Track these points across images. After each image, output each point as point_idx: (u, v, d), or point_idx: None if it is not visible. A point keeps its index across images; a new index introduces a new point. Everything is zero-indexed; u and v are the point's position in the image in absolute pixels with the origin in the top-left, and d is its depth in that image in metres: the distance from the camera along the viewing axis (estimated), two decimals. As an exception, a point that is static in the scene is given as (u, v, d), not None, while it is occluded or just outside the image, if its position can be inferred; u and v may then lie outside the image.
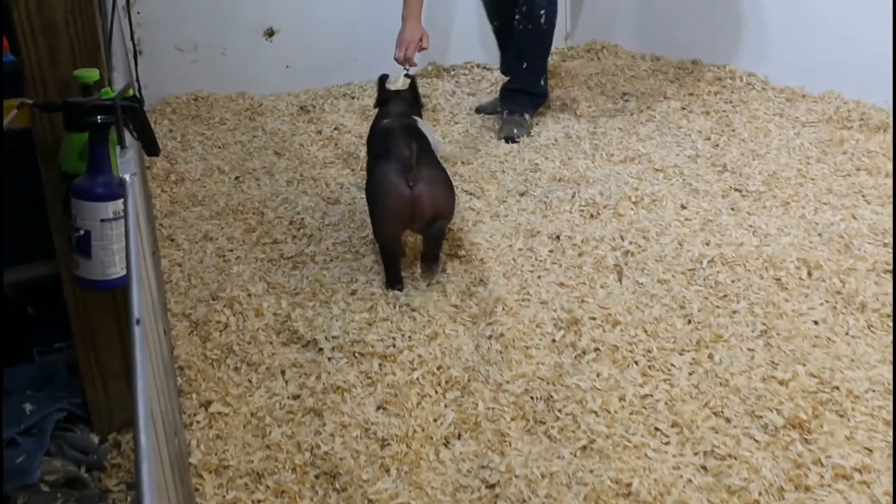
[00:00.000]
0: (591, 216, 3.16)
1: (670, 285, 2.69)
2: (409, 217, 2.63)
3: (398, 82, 3.23)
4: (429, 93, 4.52)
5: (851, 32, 4.05)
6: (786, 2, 4.34)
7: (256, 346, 2.48)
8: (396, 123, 2.89)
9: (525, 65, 4.10)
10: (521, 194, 3.38)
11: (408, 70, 3.43)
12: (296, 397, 2.28)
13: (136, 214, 1.39)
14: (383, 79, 3.20)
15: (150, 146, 1.67)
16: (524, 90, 4.13)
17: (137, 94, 1.86)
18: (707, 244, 2.91)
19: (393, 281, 2.73)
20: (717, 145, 3.72)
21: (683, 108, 4.17)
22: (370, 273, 2.83)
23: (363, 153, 3.73)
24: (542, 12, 3.98)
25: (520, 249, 2.95)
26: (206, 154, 3.89)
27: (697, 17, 4.76)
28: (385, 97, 3.16)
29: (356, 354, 2.42)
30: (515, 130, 3.98)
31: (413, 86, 3.22)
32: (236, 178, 3.65)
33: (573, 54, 5.25)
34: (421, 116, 3.16)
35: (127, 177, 1.44)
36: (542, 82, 4.17)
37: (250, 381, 2.35)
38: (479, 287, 2.73)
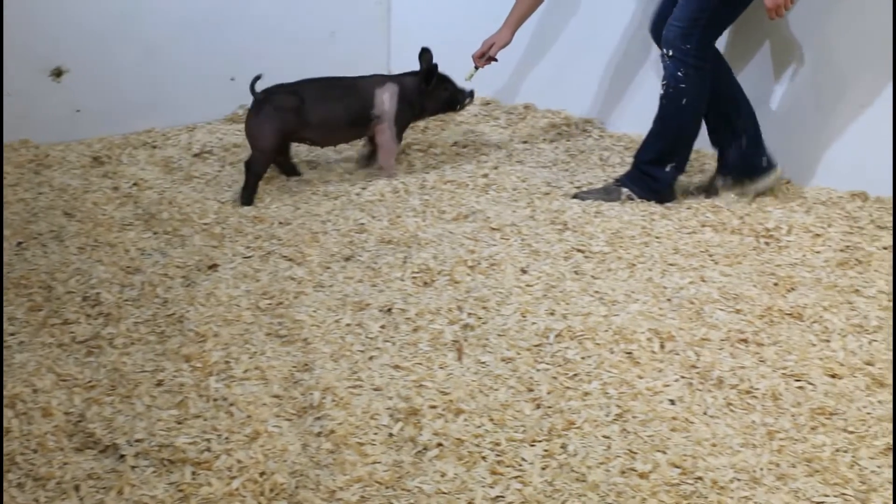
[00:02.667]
0: (425, 284, 3.05)
1: (516, 364, 2.60)
2: None
3: (465, 76, 4.05)
4: (240, 141, 4.30)
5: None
6: (618, 47, 4.38)
7: (44, 455, 2.24)
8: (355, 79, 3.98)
9: (648, 134, 3.78)
10: (347, 259, 3.24)
11: (477, 67, 4.08)
12: (92, 519, 2.06)
13: None
14: (425, 50, 3.98)
15: None
16: (636, 163, 3.79)
17: None
18: (552, 314, 2.84)
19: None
20: (556, 200, 3.68)
21: (520, 162, 4.13)
22: (178, 359, 2.62)
23: (167, 214, 3.53)
24: (664, 83, 3.61)
25: (348, 325, 2.81)
26: (-18, 216, 3.60)
27: (533, 61, 4.74)
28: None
29: (165, 461, 2.21)
30: (596, 195, 3.71)
31: (427, 71, 3.96)
32: (18, 244, 3.35)
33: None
34: (417, 87, 3.98)
35: None
36: (666, 168, 3.70)
37: (37, 502, 2.11)
38: (304, 373, 2.57)
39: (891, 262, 3.22)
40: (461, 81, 4.08)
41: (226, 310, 2.88)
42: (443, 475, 2.17)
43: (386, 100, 3.92)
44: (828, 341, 2.76)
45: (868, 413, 2.44)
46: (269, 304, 2.93)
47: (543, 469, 2.21)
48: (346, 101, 3.92)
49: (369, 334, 2.77)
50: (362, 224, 3.49)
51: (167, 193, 3.76)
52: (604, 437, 2.31)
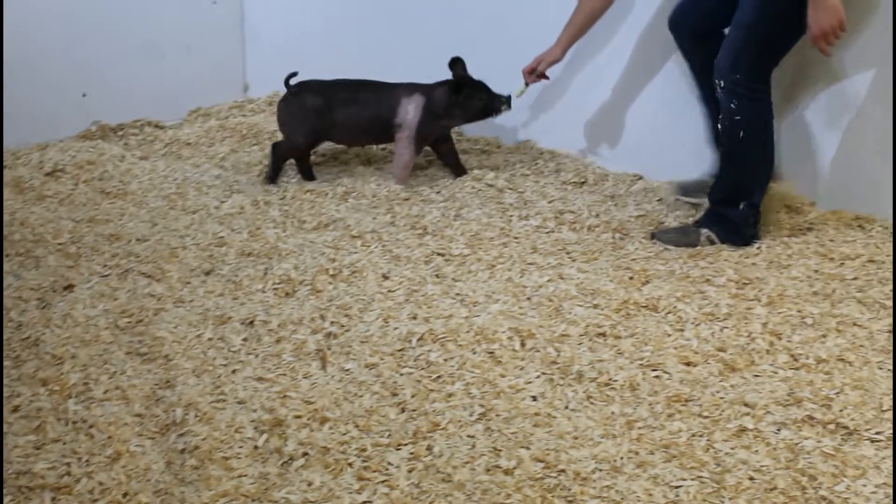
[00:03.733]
0: (287, 294, 3.05)
1: (380, 370, 2.62)
2: None
3: (516, 91, 3.93)
4: (94, 158, 4.22)
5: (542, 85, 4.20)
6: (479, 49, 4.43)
7: None
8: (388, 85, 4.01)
9: (717, 172, 3.57)
10: (207, 273, 3.21)
11: (527, 83, 3.93)
12: (-53, 553, 2.00)
13: None
14: (456, 59, 3.94)
15: None
16: (710, 203, 3.56)
17: None
18: (414, 318, 2.87)
19: None
20: (416, 205, 3.71)
21: (379, 169, 4.15)
22: (35, 383, 2.56)
23: (20, 235, 3.44)
24: (720, 117, 3.37)
25: (210, 340, 2.79)
26: None
27: (392, 64, 4.74)
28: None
29: (23, 489, 2.16)
30: (674, 237, 3.51)
31: (456, 83, 3.93)
32: None
33: (254, 108, 5.12)
34: (446, 98, 3.92)
35: None
36: (740, 206, 3.44)
37: None
38: (165, 390, 2.53)
39: (737, 253, 3.36)
40: (499, 87, 3.97)
41: (83, 330, 2.82)
42: (309, 484, 2.17)
43: (410, 110, 3.92)
44: (682, 330, 2.86)
45: (721, 398, 2.53)
46: (129, 322, 2.89)
47: (410, 472, 2.22)
48: (372, 107, 3.97)
49: (232, 348, 2.75)
50: (222, 237, 3.46)
51: (19, 214, 3.65)
52: (468, 436, 2.34)
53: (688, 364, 2.69)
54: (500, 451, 2.29)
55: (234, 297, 3.04)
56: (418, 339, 2.74)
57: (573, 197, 3.82)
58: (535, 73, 3.89)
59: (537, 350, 2.71)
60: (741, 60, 3.24)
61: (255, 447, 2.31)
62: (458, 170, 4.08)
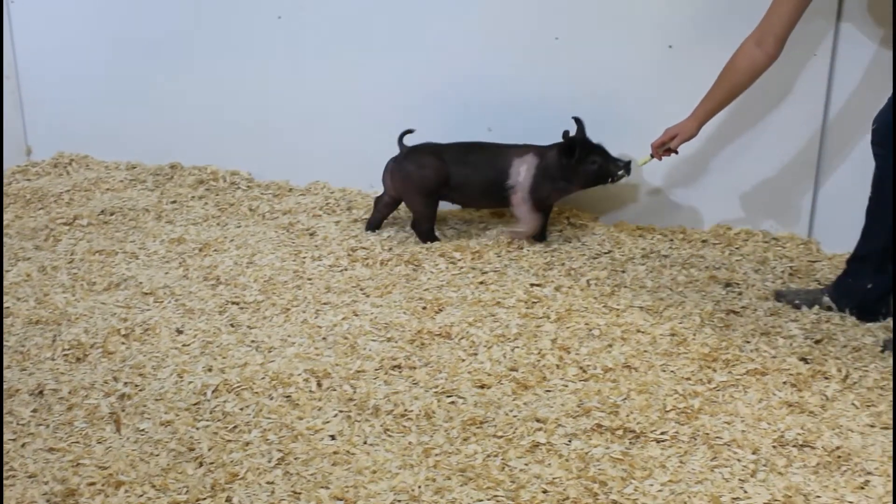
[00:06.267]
0: (78, 359, 2.98)
1: (175, 426, 2.59)
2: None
3: (639, 160, 3.66)
4: None
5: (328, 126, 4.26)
6: (262, 97, 4.45)
7: None
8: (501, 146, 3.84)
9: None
10: (-7, 346, 3.11)
11: (653, 156, 3.63)
12: None
13: None
14: (575, 119, 3.69)
15: None
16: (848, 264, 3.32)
17: None
18: (210, 370, 2.85)
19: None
20: (209, 256, 3.69)
21: (170, 222, 4.10)
22: None
23: None
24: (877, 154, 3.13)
25: (-3, 415, 2.70)
26: None
27: (174, 119, 4.71)
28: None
29: None
30: (798, 295, 3.35)
31: (566, 145, 3.65)
32: None
33: (39, 171, 4.97)
34: (559, 160, 3.69)
35: None
36: (870, 270, 3.21)
37: None
38: (-51, 473, 2.44)
39: (525, 277, 3.47)
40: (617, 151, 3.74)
41: None
42: (105, 552, 2.14)
43: (522, 171, 3.75)
44: (475, 354, 2.93)
45: (514, 416, 2.61)
46: None
47: (209, 526, 2.22)
48: (484, 168, 3.80)
49: (20, 420, 2.66)
50: (7, 308, 3.35)
51: None
52: (267, 483, 2.34)
53: (482, 387, 2.76)
54: (299, 493, 2.30)
55: (21, 368, 2.94)
56: (213, 391, 2.72)
57: (366, 233, 3.87)
58: (664, 148, 3.57)
59: (334, 389, 2.74)
60: (881, 112, 3.11)
61: (48, 521, 2.26)
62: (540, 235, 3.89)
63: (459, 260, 3.60)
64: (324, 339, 3.03)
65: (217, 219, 4.09)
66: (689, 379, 2.82)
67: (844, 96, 3.67)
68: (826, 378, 2.84)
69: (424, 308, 3.22)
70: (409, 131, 3.83)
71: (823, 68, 3.64)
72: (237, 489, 2.32)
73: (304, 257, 3.64)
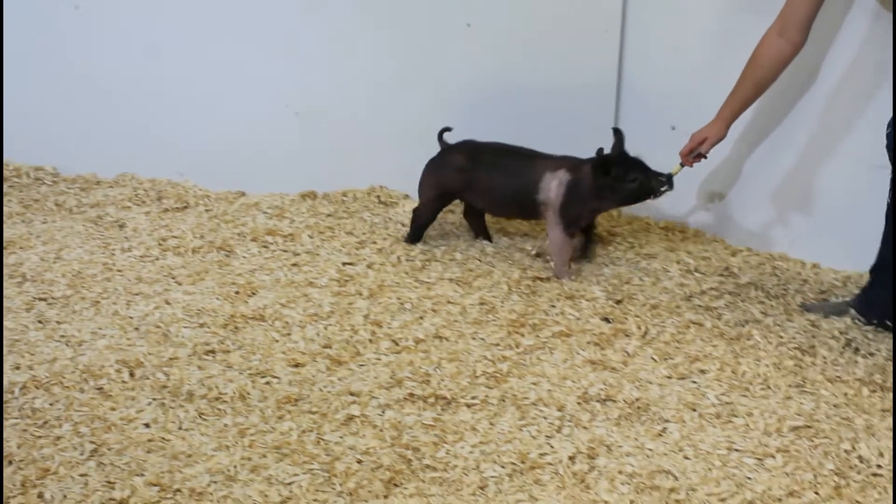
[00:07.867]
0: None
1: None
2: None
3: (671, 170, 3.35)
4: None
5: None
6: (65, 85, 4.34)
7: None
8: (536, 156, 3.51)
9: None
10: None
11: (683, 164, 3.40)
12: None
13: None
14: (615, 131, 3.39)
15: None
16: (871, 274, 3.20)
17: None
18: (18, 368, 2.79)
19: None
20: (14, 254, 3.58)
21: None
22: None
23: None
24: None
25: None
26: None
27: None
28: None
29: None
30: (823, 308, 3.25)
31: (601, 162, 3.31)
32: None
33: None
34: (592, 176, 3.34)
35: None
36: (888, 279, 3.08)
37: None
38: None
39: (337, 257, 3.53)
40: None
41: None
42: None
43: (553, 187, 3.39)
44: (289, 334, 2.97)
45: (329, 392, 2.66)
46: None
47: (21, 523, 2.19)
48: (514, 177, 3.47)
49: None
50: None
51: None
52: (80, 475, 2.32)
53: (296, 365, 2.80)
54: (113, 483, 2.28)
55: None
56: (21, 389, 2.67)
57: (176, 223, 3.84)
58: (694, 154, 3.37)
59: (147, 377, 2.73)
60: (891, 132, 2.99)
61: None
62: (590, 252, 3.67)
63: (272, 244, 3.61)
64: (136, 329, 3.00)
65: (21, 216, 3.98)
66: (497, 345, 2.92)
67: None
68: (627, 335, 3.00)
69: (237, 293, 3.23)
70: (447, 129, 3.60)
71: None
72: (49, 484, 2.29)
73: (114, 249, 3.58)
